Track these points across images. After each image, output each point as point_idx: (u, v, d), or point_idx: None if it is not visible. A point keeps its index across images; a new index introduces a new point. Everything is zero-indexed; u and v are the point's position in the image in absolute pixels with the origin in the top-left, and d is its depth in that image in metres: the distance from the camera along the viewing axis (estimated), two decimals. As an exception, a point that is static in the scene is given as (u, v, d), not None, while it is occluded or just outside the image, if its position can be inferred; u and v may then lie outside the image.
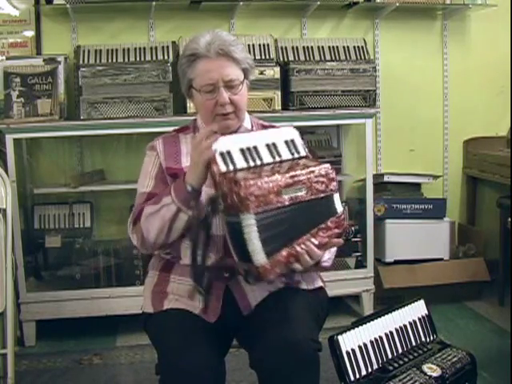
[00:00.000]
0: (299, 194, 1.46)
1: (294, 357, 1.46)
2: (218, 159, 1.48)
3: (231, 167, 1.47)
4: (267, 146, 1.55)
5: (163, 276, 1.72)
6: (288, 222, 1.45)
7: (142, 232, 1.63)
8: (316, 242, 1.48)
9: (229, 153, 1.50)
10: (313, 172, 1.48)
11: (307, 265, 1.47)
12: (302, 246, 1.46)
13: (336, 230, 1.52)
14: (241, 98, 1.69)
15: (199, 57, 1.66)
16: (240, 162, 1.49)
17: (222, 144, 1.50)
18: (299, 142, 1.61)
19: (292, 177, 1.45)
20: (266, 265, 1.41)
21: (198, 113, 1.79)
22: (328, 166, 1.51)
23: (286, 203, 1.44)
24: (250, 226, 1.39)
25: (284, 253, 1.44)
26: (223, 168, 1.47)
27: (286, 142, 1.59)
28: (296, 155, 1.58)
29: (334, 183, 1.52)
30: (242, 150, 1.51)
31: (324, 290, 1.78)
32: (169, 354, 1.51)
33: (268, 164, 1.52)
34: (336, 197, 1.53)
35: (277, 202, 1.42)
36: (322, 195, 1.50)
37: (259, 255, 1.40)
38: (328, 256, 1.64)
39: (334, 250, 1.67)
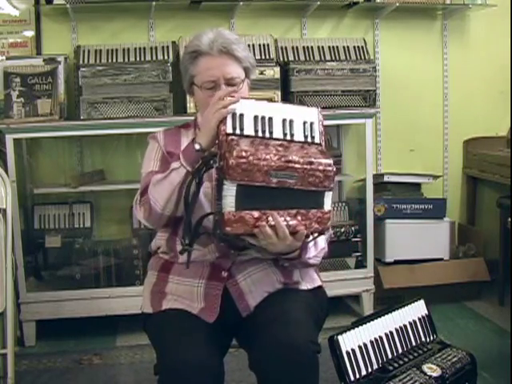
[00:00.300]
0: (289, 180, 1.42)
1: (293, 359, 1.45)
2: (228, 120, 1.48)
3: (238, 131, 1.47)
4: (283, 121, 1.51)
5: (162, 276, 1.72)
6: (268, 200, 1.43)
7: (149, 202, 1.61)
8: (290, 223, 1.44)
9: (241, 116, 1.48)
10: (311, 163, 1.43)
11: (270, 240, 1.44)
12: (274, 219, 1.43)
13: (315, 225, 1.46)
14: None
15: (201, 54, 1.67)
16: (249, 129, 1.48)
17: (240, 106, 1.50)
18: (317, 127, 1.54)
19: (287, 161, 1.41)
20: (230, 214, 1.41)
21: (198, 111, 1.80)
22: (330, 162, 1.45)
23: (272, 185, 1.42)
24: (230, 190, 1.41)
25: (254, 214, 1.42)
26: (229, 129, 1.47)
27: (304, 124, 1.53)
28: (309, 139, 1.52)
29: (329, 182, 1.46)
30: (255, 118, 1.49)
31: (323, 289, 1.78)
32: (167, 353, 1.51)
33: (276, 139, 1.48)
34: (327, 195, 1.48)
35: (262, 180, 1.41)
36: (313, 189, 1.45)
37: (229, 206, 1.42)
38: (314, 253, 1.63)
39: (321, 247, 1.66)
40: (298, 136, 1.51)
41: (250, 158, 1.39)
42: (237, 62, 1.69)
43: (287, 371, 1.45)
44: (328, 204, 1.47)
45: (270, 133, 1.49)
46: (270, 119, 1.50)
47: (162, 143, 1.76)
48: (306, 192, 1.45)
